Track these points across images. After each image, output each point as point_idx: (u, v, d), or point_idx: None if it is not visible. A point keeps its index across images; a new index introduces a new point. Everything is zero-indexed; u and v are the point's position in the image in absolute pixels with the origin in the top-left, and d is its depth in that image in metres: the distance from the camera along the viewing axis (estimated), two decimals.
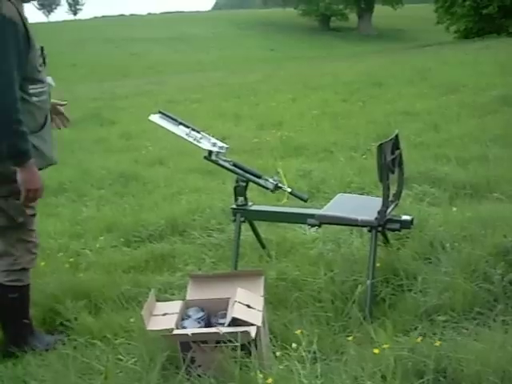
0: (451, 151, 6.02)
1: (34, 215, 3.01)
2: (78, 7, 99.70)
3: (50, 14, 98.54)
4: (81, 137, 9.21)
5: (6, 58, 2.60)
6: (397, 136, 3.19)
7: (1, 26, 2.59)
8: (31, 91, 2.79)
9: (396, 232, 3.37)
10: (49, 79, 3.02)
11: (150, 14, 78.45)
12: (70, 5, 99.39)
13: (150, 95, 15.07)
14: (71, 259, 4.06)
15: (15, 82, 2.63)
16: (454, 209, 4.23)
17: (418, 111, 8.79)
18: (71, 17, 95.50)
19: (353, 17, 52.15)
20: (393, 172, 3.10)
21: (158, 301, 2.88)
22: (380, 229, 3.13)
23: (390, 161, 3.04)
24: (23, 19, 2.69)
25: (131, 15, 77.00)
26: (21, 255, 2.97)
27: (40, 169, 2.84)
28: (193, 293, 2.91)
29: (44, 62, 2.93)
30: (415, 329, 2.78)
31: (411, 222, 3.20)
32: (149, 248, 4.21)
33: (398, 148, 3.18)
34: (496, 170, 5.14)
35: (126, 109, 12.79)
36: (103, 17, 77.70)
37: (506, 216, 3.87)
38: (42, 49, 2.91)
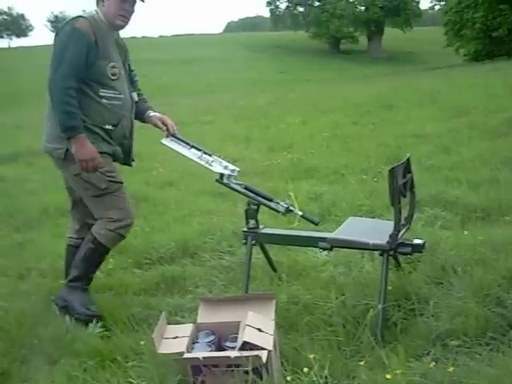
0: (462, 174, 6.01)
1: (117, 182, 3.51)
2: None
3: None
4: None
5: (65, 55, 3.26)
6: (408, 160, 3.19)
7: (68, 33, 3.30)
8: (101, 94, 3.41)
9: (407, 256, 3.36)
10: (133, 95, 3.65)
11: (161, 36, 79.30)
12: None
13: None
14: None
15: (68, 74, 3.24)
16: (466, 232, 4.21)
17: (429, 134, 8.79)
18: None
19: (363, 39, 52.48)
20: (404, 196, 3.10)
21: (168, 323, 2.87)
22: (392, 252, 3.12)
23: (401, 185, 3.03)
24: (96, 35, 3.32)
25: (143, 37, 77.74)
26: (117, 219, 3.48)
27: (105, 152, 3.44)
28: (203, 316, 2.91)
29: (132, 79, 3.68)
30: (428, 354, 2.76)
31: (423, 245, 3.19)
32: (160, 270, 4.21)
33: (409, 172, 3.18)
34: (507, 193, 5.12)
35: (137, 130, 12.69)
36: None
37: None
38: (129, 66, 3.68)
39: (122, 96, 3.50)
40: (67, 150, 3.37)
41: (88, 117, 3.38)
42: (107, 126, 3.46)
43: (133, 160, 3.78)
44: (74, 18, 3.34)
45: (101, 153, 3.40)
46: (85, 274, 3.57)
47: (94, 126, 3.40)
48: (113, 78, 3.44)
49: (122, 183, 3.55)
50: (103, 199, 3.47)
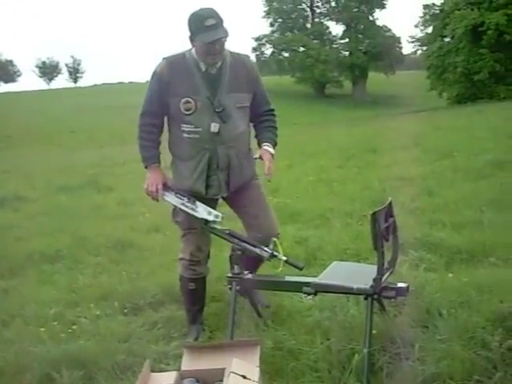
0: (446, 216, 6.05)
1: (185, 228, 3.78)
2: (78, 75, 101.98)
3: (50, 81, 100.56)
4: (78, 204, 9.25)
5: (146, 96, 3.70)
6: (390, 203, 3.22)
7: (151, 77, 3.68)
8: (182, 128, 3.61)
9: (392, 299, 3.36)
10: (212, 125, 3.57)
11: (148, 81, 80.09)
12: (70, 72, 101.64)
13: None
14: (69, 329, 4.02)
15: (144, 111, 3.70)
16: (451, 274, 4.23)
17: (413, 176, 8.84)
18: (71, 84, 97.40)
19: (347, 84, 53.31)
20: (387, 240, 3.12)
21: (152, 371, 2.85)
22: (376, 297, 3.13)
23: (384, 229, 3.06)
24: (171, 74, 3.57)
25: (130, 83, 78.60)
26: (182, 250, 3.88)
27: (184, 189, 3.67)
28: (188, 363, 2.89)
29: (219, 113, 3.56)
30: None
31: (407, 289, 3.19)
32: (145, 317, 4.18)
33: (391, 216, 3.21)
34: (491, 235, 5.16)
35: (124, 175, 12.86)
36: (103, 84, 79.31)
37: (502, 281, 3.88)
38: (208, 98, 3.56)
39: (199, 129, 3.59)
40: None
41: (171, 150, 3.77)
42: (186, 159, 3.66)
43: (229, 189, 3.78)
44: (161, 61, 3.67)
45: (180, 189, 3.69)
46: (184, 304, 4.03)
47: (176, 159, 3.73)
48: (187, 112, 3.58)
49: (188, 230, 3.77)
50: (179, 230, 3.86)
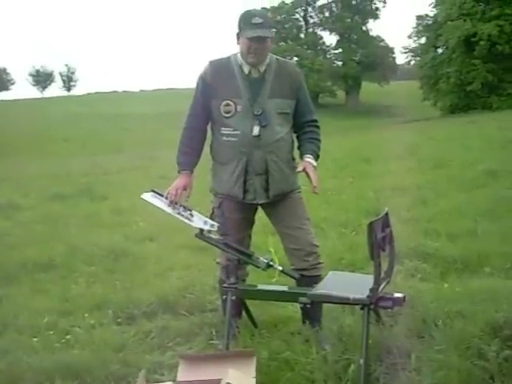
0: (441, 226, 6.06)
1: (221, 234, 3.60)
2: (71, 83, 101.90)
3: (44, 89, 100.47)
4: (72, 212, 9.20)
5: (192, 101, 3.73)
6: (387, 214, 3.22)
7: (197, 80, 3.71)
8: (222, 132, 3.62)
9: (388, 309, 3.36)
10: (254, 129, 3.54)
11: (142, 90, 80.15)
12: (63, 81, 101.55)
13: (142, 170, 15.16)
14: (62, 339, 3.98)
15: (188, 114, 3.73)
16: (446, 284, 4.24)
17: (407, 186, 8.87)
18: (65, 93, 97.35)
19: (341, 93, 53.50)
20: (384, 250, 3.12)
21: (147, 382, 2.83)
22: (372, 307, 3.12)
23: (380, 239, 3.05)
24: (214, 76, 3.60)
25: (124, 92, 78.65)
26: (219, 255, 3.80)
27: (217, 193, 3.75)
28: (183, 374, 2.87)
29: (258, 116, 3.53)
30: None
31: (403, 299, 3.18)
32: (139, 326, 4.15)
33: (388, 226, 3.21)
34: (485, 245, 5.18)
35: (118, 184, 12.83)
36: (96, 93, 79.33)
37: (496, 291, 3.89)
38: (249, 101, 3.55)
39: (237, 132, 3.57)
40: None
41: (212, 154, 3.76)
42: (225, 163, 3.65)
43: (271, 196, 3.69)
44: (206, 64, 3.70)
45: (220, 194, 3.72)
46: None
47: (216, 163, 3.74)
48: (226, 115, 3.58)
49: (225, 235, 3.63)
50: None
